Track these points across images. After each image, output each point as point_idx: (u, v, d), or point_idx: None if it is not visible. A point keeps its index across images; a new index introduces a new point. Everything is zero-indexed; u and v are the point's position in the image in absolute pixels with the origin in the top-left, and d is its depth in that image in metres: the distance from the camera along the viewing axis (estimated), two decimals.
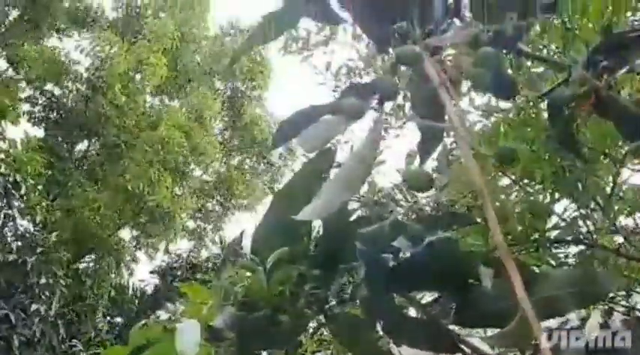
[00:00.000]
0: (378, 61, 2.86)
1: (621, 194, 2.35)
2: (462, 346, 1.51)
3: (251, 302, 1.55)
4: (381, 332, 1.61)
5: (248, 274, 1.60)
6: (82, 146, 12.87)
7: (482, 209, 0.96)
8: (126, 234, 14.41)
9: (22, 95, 11.97)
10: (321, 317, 1.70)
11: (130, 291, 13.06)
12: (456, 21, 1.41)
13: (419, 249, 1.59)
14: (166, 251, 14.05)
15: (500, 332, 1.51)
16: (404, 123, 2.48)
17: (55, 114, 12.13)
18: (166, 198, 12.50)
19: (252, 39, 1.54)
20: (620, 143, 2.30)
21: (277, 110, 14.80)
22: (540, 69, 1.89)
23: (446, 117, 1.24)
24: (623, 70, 1.25)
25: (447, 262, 1.60)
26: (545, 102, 2.13)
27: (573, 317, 1.68)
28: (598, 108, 1.70)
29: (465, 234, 1.96)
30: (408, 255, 1.66)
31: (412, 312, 1.69)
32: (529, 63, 1.89)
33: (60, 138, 12.33)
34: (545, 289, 1.57)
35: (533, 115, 1.95)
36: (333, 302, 1.66)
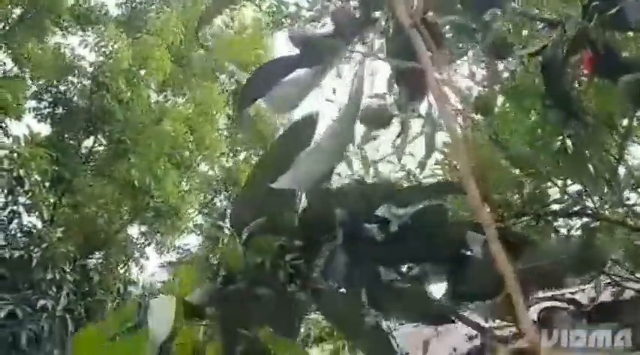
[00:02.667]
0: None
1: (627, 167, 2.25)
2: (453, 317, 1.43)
3: (229, 275, 1.47)
4: (367, 306, 1.53)
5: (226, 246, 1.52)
6: (88, 142, 12.86)
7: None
8: (134, 230, 14.42)
9: (28, 92, 11.98)
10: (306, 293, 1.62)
11: (140, 286, 13.05)
12: None
13: (407, 219, 1.51)
14: (172, 246, 14.04)
15: (490, 303, 1.43)
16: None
17: (60, 110, 12.13)
18: (173, 193, 12.47)
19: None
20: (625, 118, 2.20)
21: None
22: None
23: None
24: (614, 10, 1.15)
25: (436, 231, 1.52)
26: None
27: None
28: (598, 67, 1.60)
29: (458, 206, 1.88)
30: (396, 228, 1.58)
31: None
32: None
33: (66, 135, 12.34)
34: (541, 258, 1.49)
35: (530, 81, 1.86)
36: (317, 275, 1.58)
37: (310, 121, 1.56)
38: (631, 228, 1.88)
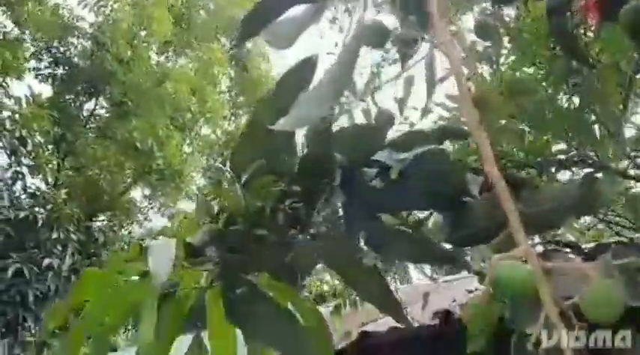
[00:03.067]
0: None
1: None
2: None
3: (229, 217, 1.48)
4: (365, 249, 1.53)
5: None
6: (89, 105, 12.82)
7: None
8: (137, 193, 14.50)
9: (27, 53, 11.87)
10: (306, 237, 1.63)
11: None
12: None
13: (408, 163, 1.50)
14: (175, 209, 14.13)
15: (490, 244, 1.43)
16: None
17: (61, 70, 12.04)
18: (175, 156, 12.48)
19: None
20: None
21: (283, 67, 14.57)
22: None
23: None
24: None
25: (437, 174, 1.51)
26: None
27: None
28: (604, 11, 1.57)
29: (459, 154, 1.86)
30: (396, 175, 1.57)
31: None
32: None
33: (67, 96, 12.28)
34: (541, 202, 1.48)
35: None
36: (316, 220, 1.58)
37: (310, 64, 1.54)
38: (633, 179, 1.87)
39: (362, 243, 1.50)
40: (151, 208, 14.69)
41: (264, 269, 1.75)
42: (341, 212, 1.51)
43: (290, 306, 1.69)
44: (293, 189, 1.54)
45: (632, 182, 1.91)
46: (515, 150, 2.08)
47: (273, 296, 1.60)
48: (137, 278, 1.64)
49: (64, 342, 1.65)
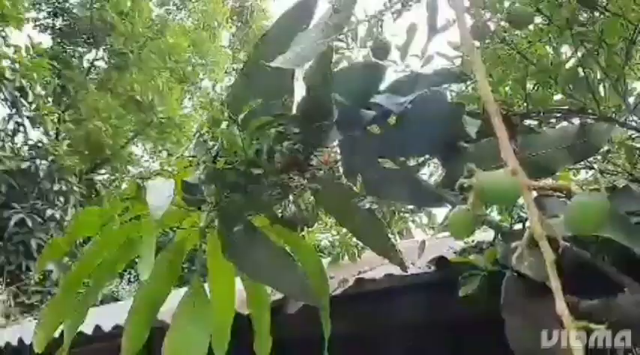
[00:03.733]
0: None
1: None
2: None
3: (226, 156, 1.48)
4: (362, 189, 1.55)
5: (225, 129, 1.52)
6: (89, 56, 12.67)
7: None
8: (139, 150, 14.50)
9: (26, 3, 11.65)
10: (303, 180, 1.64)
11: None
12: None
13: (406, 107, 1.50)
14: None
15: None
16: None
17: (60, 21, 11.86)
18: (176, 110, 12.42)
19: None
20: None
21: None
22: None
23: None
24: None
25: (435, 119, 1.51)
26: None
27: None
28: None
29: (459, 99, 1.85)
30: (394, 120, 1.57)
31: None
32: None
33: (67, 47, 12.13)
34: (538, 147, 1.49)
35: None
36: (314, 162, 1.59)
37: (309, 4, 1.52)
38: (634, 129, 1.86)
39: (359, 183, 1.51)
40: (153, 162, 14.71)
41: (263, 211, 1.77)
42: (339, 155, 1.52)
43: (288, 249, 1.72)
44: (292, 131, 1.54)
45: (633, 132, 1.91)
46: (516, 100, 2.07)
47: (271, 237, 1.62)
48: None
49: (67, 280, 1.68)
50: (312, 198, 1.67)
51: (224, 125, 1.48)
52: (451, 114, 1.43)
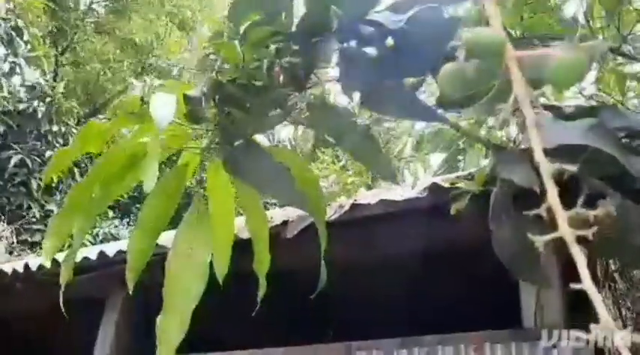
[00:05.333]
0: None
1: None
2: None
3: (227, 70, 1.51)
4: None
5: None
6: None
7: None
8: (138, 93, 14.36)
9: None
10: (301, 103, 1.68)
11: None
12: None
13: (404, 24, 1.52)
14: None
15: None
16: None
17: None
18: (174, 53, 12.28)
19: None
20: None
21: None
22: None
23: None
24: None
25: (433, 36, 1.53)
26: None
27: None
28: None
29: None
30: (392, 42, 1.59)
31: None
32: None
33: None
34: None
35: None
36: (312, 80, 1.62)
37: None
38: (624, 56, 1.89)
39: (357, 99, 1.55)
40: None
41: (263, 129, 1.82)
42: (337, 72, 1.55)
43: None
44: (291, 47, 1.57)
45: (625, 59, 1.94)
46: (512, 26, 2.09)
47: (270, 154, 1.67)
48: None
49: (74, 192, 1.74)
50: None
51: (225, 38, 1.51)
52: (448, 29, 1.45)
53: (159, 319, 1.57)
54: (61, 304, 1.70)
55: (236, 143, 1.62)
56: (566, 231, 0.65)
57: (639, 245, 1.34)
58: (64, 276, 1.62)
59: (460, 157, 2.82)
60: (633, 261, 1.38)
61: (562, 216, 0.70)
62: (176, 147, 1.86)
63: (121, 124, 1.67)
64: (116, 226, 9.63)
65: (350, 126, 1.67)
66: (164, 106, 1.44)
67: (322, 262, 1.77)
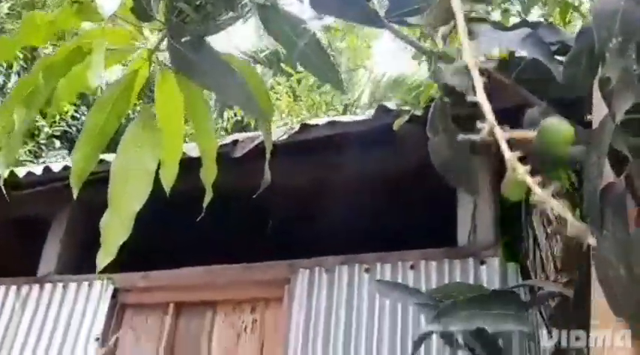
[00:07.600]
0: None
1: None
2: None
3: None
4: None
5: None
6: None
7: None
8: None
9: None
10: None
11: None
12: None
13: None
14: None
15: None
16: None
17: None
18: None
19: None
20: None
21: None
22: None
23: None
24: None
25: None
26: None
27: None
28: None
29: None
30: None
31: None
32: None
33: None
34: None
35: None
36: None
37: None
38: None
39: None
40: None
41: (214, 31, 1.81)
42: None
43: None
44: None
45: None
46: None
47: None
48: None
49: (20, 84, 1.70)
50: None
51: None
52: None
53: (103, 218, 1.58)
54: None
55: (184, 39, 1.61)
56: (497, 131, 0.71)
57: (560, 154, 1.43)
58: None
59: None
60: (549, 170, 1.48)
61: (488, 110, 0.77)
62: (122, 44, 1.82)
63: (64, 15, 1.62)
64: (64, 157, 9.38)
65: (300, 32, 1.69)
66: None
67: (266, 165, 1.75)
